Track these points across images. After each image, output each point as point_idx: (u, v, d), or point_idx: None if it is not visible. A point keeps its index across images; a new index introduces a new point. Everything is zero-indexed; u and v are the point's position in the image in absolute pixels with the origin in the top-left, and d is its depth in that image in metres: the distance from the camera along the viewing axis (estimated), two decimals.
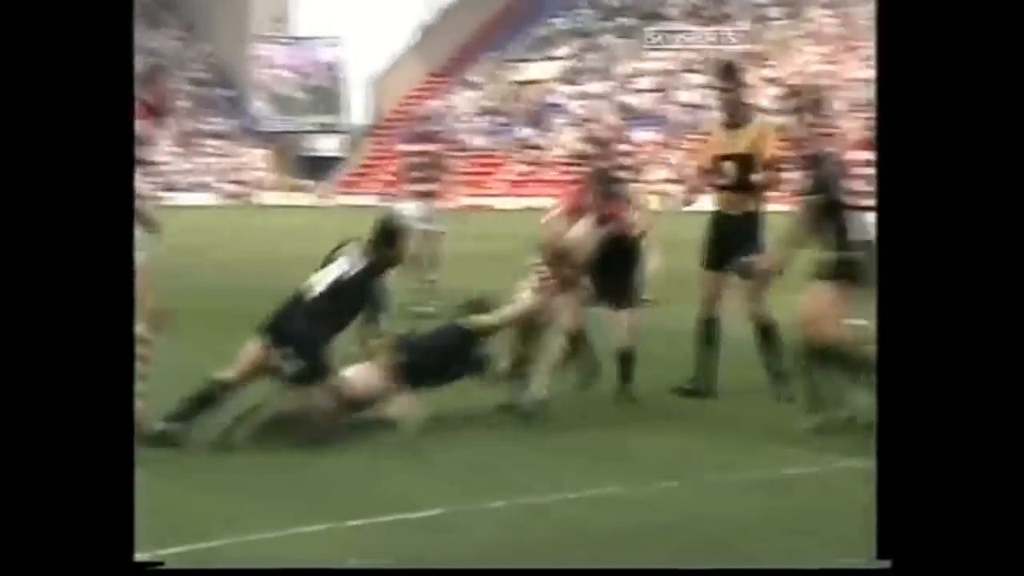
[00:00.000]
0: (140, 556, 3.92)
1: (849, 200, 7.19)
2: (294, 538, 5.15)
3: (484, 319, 7.66)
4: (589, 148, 9.13)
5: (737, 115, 8.55)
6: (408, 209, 13.46)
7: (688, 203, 8.91)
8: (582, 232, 8.09)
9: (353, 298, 6.98)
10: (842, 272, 7.06)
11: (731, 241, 8.31)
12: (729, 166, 8.38)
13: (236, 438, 6.65)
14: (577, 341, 8.10)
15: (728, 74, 8.75)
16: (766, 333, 8.26)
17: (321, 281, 7.07)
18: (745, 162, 8.32)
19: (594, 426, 7.48)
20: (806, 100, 7.76)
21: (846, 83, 49.49)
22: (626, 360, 8.22)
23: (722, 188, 8.47)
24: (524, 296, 7.89)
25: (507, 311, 7.80)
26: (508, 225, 23.53)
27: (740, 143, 8.41)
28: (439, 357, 7.47)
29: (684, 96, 54.08)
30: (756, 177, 8.28)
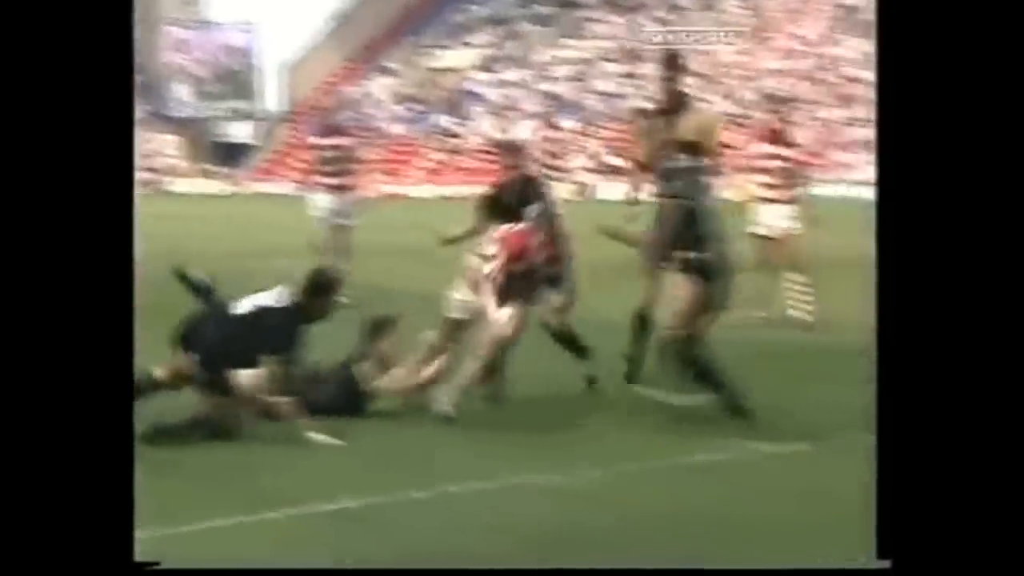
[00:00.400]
0: None
1: (707, 204, 7.56)
2: (210, 532, 5.13)
3: (380, 383, 7.59)
4: (507, 157, 8.78)
5: (675, 103, 8.67)
6: (322, 201, 13.37)
7: (634, 199, 8.95)
8: (505, 318, 7.57)
9: (271, 331, 6.89)
10: (699, 270, 7.39)
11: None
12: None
13: (155, 439, 6.55)
14: (495, 363, 7.76)
15: (672, 63, 8.89)
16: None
17: (247, 303, 7.06)
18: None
19: (522, 415, 7.53)
20: (661, 116, 8.27)
21: (757, 73, 50.15)
22: (565, 338, 8.21)
23: None
24: (427, 350, 7.71)
25: (399, 381, 7.63)
26: (424, 214, 23.45)
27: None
28: (330, 396, 7.41)
29: (600, 85, 54.32)
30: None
